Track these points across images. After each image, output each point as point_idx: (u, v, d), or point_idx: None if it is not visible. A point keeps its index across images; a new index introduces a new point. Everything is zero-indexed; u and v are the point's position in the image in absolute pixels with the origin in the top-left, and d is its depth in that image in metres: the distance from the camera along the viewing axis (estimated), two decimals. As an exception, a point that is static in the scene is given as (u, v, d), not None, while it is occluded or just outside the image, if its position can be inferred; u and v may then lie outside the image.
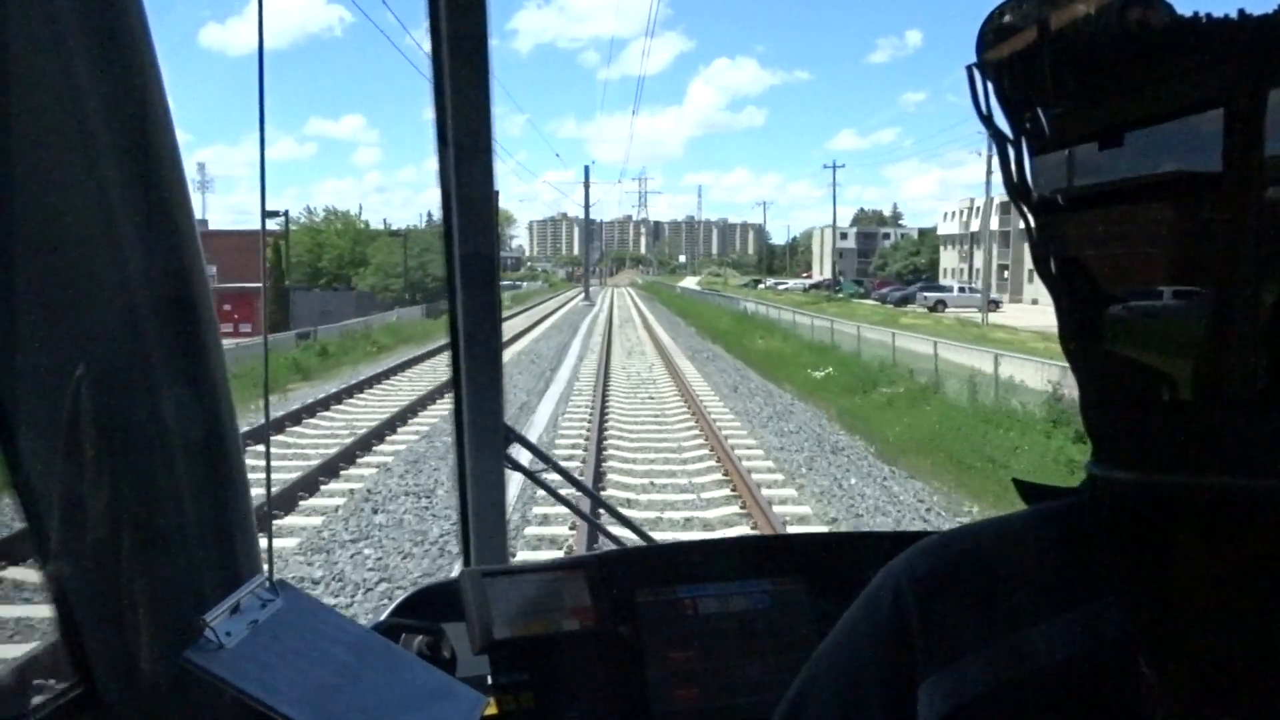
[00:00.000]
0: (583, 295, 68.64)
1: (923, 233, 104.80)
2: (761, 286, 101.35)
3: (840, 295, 69.30)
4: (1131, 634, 0.54)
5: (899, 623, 0.60)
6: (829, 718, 0.62)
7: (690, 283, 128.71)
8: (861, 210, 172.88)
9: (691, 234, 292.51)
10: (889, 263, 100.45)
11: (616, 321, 39.30)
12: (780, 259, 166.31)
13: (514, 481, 1.77)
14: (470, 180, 1.55)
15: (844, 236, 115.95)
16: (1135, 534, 0.56)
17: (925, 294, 55.69)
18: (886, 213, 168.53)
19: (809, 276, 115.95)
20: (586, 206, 67.89)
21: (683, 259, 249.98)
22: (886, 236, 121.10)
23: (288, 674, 0.79)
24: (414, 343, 26.43)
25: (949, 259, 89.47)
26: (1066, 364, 0.59)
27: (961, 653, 0.57)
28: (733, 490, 8.94)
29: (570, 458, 10.40)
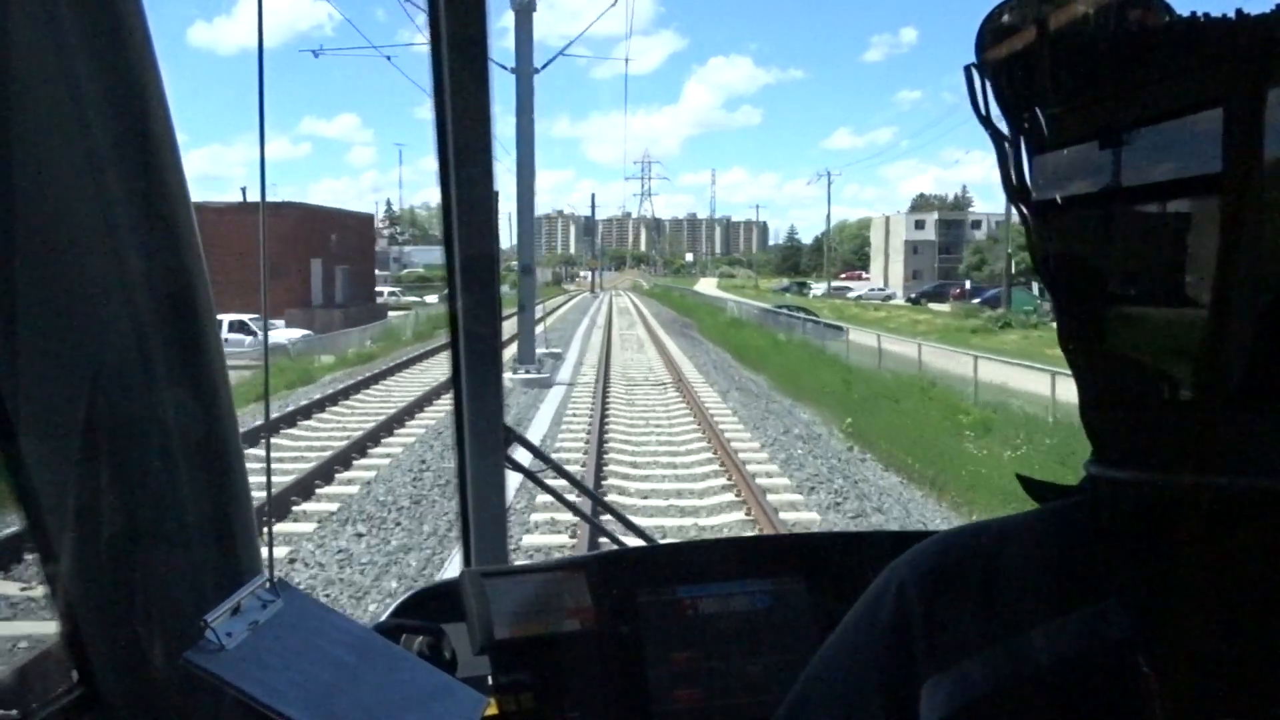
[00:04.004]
0: (516, 362, 16.99)
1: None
2: (815, 294, 76.99)
3: (1031, 317, 36.79)
4: (1133, 634, 0.54)
5: (901, 623, 0.60)
6: (829, 718, 0.62)
7: (708, 285, 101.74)
8: (921, 196, 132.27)
9: (695, 231, 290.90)
10: (986, 260, 68.79)
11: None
12: (808, 257, 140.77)
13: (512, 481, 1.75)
14: (470, 180, 1.55)
15: (919, 225, 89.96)
16: (1135, 533, 0.56)
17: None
18: (942, 200, 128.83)
19: (864, 278, 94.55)
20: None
21: (689, 257, 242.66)
22: (976, 225, 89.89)
23: (289, 674, 0.79)
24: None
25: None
26: None
27: (963, 653, 0.57)
28: None
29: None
